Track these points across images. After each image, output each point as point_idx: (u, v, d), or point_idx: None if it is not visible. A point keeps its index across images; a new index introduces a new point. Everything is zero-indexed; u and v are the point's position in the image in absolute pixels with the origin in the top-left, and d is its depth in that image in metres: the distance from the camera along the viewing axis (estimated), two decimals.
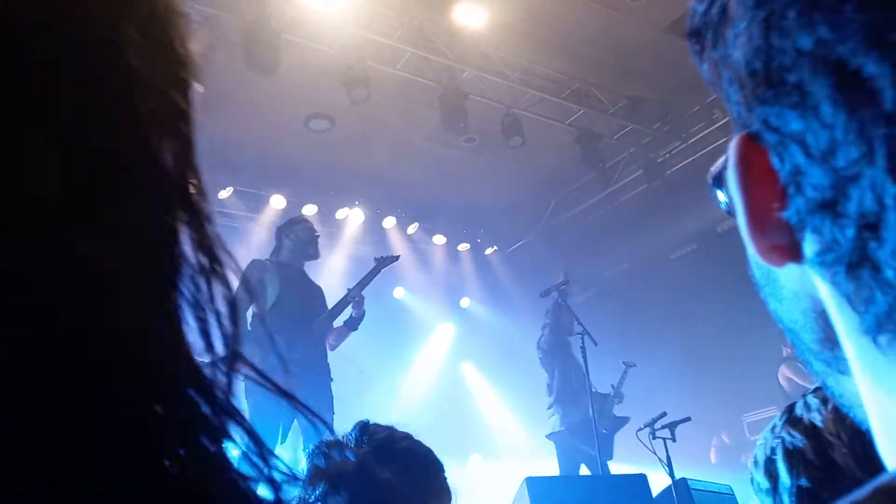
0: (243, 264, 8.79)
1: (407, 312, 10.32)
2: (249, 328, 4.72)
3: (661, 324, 8.35)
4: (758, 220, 0.39)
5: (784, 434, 1.06)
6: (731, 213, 0.44)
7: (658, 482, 4.64)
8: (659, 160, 8.45)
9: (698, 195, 8.25)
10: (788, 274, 0.41)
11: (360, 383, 7.81)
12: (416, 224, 9.52)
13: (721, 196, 0.48)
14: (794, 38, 0.34)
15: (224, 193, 8.34)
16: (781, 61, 0.35)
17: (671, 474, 4.46)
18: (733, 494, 4.51)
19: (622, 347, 7.34)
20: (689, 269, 8.55)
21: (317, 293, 4.97)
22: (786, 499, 1.05)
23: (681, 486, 4.31)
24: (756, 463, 1.10)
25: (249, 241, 9.04)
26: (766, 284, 0.44)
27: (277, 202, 8.62)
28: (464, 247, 10.32)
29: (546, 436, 6.28)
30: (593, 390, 6.02)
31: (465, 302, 10.81)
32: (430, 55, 6.75)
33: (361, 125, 7.41)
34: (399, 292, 10.38)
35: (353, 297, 4.81)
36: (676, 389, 7.33)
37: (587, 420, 5.65)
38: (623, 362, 6.29)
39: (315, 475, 1.20)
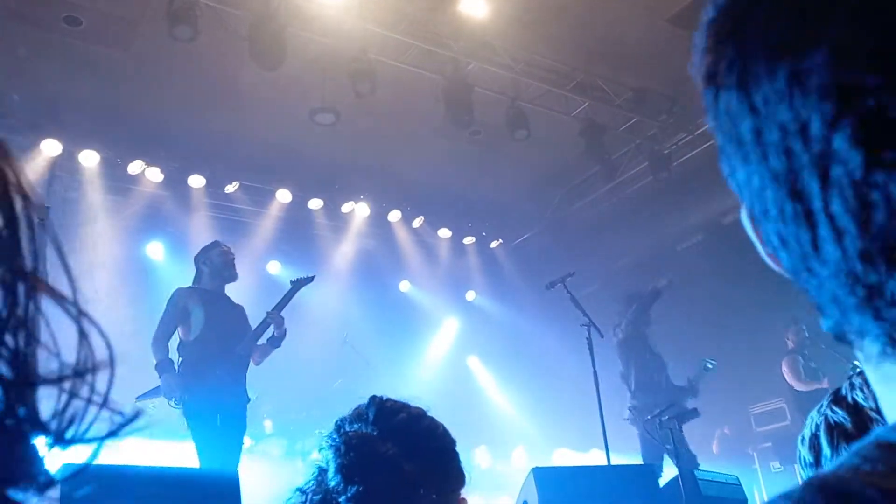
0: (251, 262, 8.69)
1: (412, 306, 10.34)
2: (178, 353, 4.98)
3: (666, 316, 8.34)
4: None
5: (828, 411, 1.12)
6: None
7: (665, 473, 4.65)
8: (665, 152, 8.43)
9: (704, 187, 8.24)
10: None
11: (367, 376, 7.85)
12: (422, 218, 9.53)
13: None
14: None
15: (230, 188, 8.37)
16: None
17: (678, 464, 4.47)
18: (740, 484, 4.52)
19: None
20: (695, 261, 8.54)
21: (239, 314, 5.30)
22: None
23: (687, 476, 4.32)
24: (802, 439, 1.17)
25: (256, 234, 9.07)
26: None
27: (283, 196, 8.64)
28: (469, 240, 10.33)
29: (624, 418, 6.36)
30: (670, 382, 6.18)
31: (470, 295, 10.82)
32: (434, 48, 6.75)
33: (367, 119, 7.41)
34: (405, 286, 10.40)
35: (273, 318, 5.12)
36: (683, 381, 7.33)
37: (660, 411, 5.69)
38: (704, 360, 6.26)
39: (331, 456, 1.21)
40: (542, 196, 9.78)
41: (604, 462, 4.82)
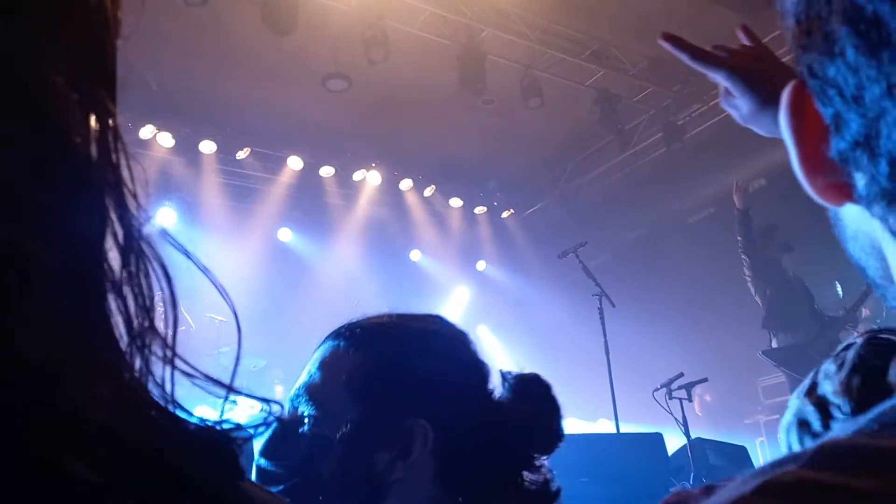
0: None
1: (423, 275, 10.36)
2: None
3: (678, 287, 8.33)
4: (810, 162, 0.42)
5: (800, 403, 1.09)
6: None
7: (674, 442, 4.68)
8: (679, 123, 8.34)
9: (718, 158, 8.16)
10: (849, 213, 0.44)
11: None
12: (433, 187, 9.50)
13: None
14: None
15: (241, 154, 8.35)
16: (818, 11, 0.39)
17: (687, 434, 4.50)
18: (747, 454, 4.55)
19: (639, 310, 7.36)
20: (708, 233, 8.49)
21: None
22: None
23: (696, 444, 4.35)
24: (781, 427, 1.13)
25: (266, 201, 9.08)
26: (835, 224, 0.47)
27: (295, 163, 8.63)
28: (480, 210, 10.30)
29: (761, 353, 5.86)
30: (820, 312, 5.67)
31: (481, 265, 10.83)
32: (448, 14, 6.66)
33: (379, 86, 7.35)
34: (415, 255, 10.42)
35: None
36: (693, 351, 7.34)
37: (800, 346, 5.36)
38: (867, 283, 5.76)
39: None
40: (555, 166, 9.72)
41: (612, 431, 4.86)
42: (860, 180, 0.39)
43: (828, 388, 1.06)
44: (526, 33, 7.07)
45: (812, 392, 1.09)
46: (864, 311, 6.21)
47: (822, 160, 0.41)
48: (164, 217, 8.71)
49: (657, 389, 4.74)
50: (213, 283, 0.39)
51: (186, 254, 0.39)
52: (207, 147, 8.13)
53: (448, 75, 6.99)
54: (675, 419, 4.59)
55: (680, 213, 9.06)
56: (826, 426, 1.03)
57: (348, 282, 9.27)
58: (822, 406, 1.06)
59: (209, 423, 0.37)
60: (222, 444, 0.36)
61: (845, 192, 0.41)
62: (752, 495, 0.33)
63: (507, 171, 9.73)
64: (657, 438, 4.47)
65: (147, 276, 0.37)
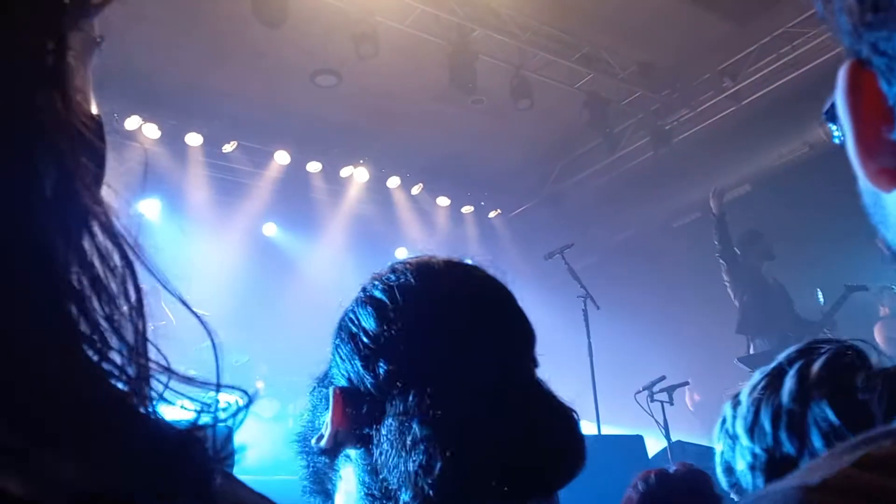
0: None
1: None
2: None
3: (662, 290, 8.38)
4: (867, 144, 0.40)
5: (727, 404, 1.16)
6: (845, 146, 0.45)
7: (655, 444, 4.71)
8: (666, 128, 8.39)
9: (704, 163, 8.21)
10: (895, 200, 0.42)
11: None
12: (421, 185, 9.49)
13: (833, 129, 0.49)
14: None
15: (228, 147, 8.30)
16: None
17: (667, 437, 4.53)
18: None
19: (623, 313, 7.39)
20: (692, 238, 8.55)
21: None
22: (717, 461, 1.17)
23: (676, 447, 4.38)
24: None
25: (252, 196, 9.04)
26: (875, 211, 0.44)
27: (282, 158, 8.58)
28: (467, 209, 10.30)
29: (737, 359, 5.87)
30: (799, 318, 5.65)
31: None
32: (440, 12, 6.66)
33: (369, 82, 7.34)
34: (401, 253, 10.40)
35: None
36: (676, 354, 7.39)
37: (775, 351, 5.35)
38: (846, 285, 5.50)
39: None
40: (542, 167, 9.74)
41: (593, 433, 4.88)
42: None
43: (743, 392, 1.14)
44: (517, 34, 7.08)
45: (736, 396, 1.18)
46: (883, 310, 6.23)
47: (879, 142, 0.39)
48: (148, 209, 8.65)
49: (639, 392, 4.77)
50: (162, 284, 0.38)
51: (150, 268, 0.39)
52: (194, 139, 8.07)
53: (438, 74, 6.98)
54: (656, 421, 4.62)
55: (666, 217, 9.11)
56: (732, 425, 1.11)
57: (333, 278, 9.24)
58: (735, 405, 1.16)
59: (177, 422, 0.36)
60: (189, 442, 0.36)
61: None
62: (852, 468, 0.32)
63: (495, 171, 9.74)
64: (638, 440, 4.50)
65: (114, 271, 0.36)
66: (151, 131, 7.78)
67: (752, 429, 1.06)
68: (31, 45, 0.34)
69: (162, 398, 0.36)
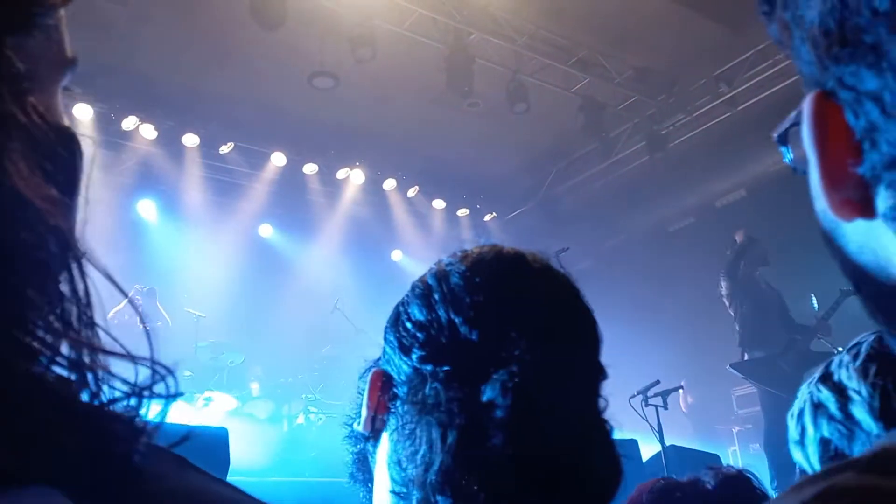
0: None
1: (404, 275, 10.35)
2: None
3: (657, 295, 8.40)
4: (832, 175, 0.40)
5: (814, 389, 1.11)
6: (796, 169, 0.45)
7: (648, 449, 4.71)
8: (662, 132, 8.41)
9: (699, 169, 8.24)
10: (855, 229, 0.42)
11: (356, 343, 7.87)
12: (417, 187, 9.50)
13: (786, 153, 0.49)
14: None
15: (225, 149, 8.30)
16: (857, 21, 0.36)
17: (661, 441, 4.54)
18: (720, 462, 4.59)
19: (617, 317, 7.39)
20: (687, 243, 8.57)
21: None
22: (811, 450, 1.10)
23: (670, 452, 4.38)
24: (791, 415, 1.16)
25: (249, 197, 9.03)
26: (834, 238, 0.45)
27: (278, 159, 8.58)
28: (463, 212, 10.32)
29: (730, 365, 5.85)
30: (792, 324, 5.65)
31: None
32: (437, 16, 6.67)
33: (366, 85, 7.34)
34: (397, 255, 10.41)
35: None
36: (670, 359, 7.41)
37: (769, 357, 5.36)
38: (840, 289, 5.42)
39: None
40: (538, 171, 9.76)
41: None
42: (888, 199, 0.38)
43: (843, 375, 1.09)
44: (514, 38, 7.10)
45: (827, 379, 1.11)
46: None
47: (845, 175, 0.39)
48: (144, 210, 8.63)
49: (633, 396, 4.77)
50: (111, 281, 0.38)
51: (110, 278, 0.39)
52: (190, 140, 8.07)
53: (435, 77, 6.99)
54: (651, 426, 4.62)
55: (660, 222, 9.14)
56: (844, 409, 1.05)
57: (328, 280, 9.24)
58: (840, 391, 1.08)
59: (106, 408, 0.37)
60: (104, 417, 0.36)
61: (858, 208, 0.40)
62: (814, 500, 0.32)
63: (491, 175, 9.76)
64: (632, 444, 4.50)
65: (58, 261, 0.37)
66: (148, 132, 7.77)
67: (884, 414, 1.03)
68: None
69: (104, 382, 0.37)
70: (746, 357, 5.84)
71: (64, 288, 0.37)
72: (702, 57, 7.44)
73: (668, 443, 4.58)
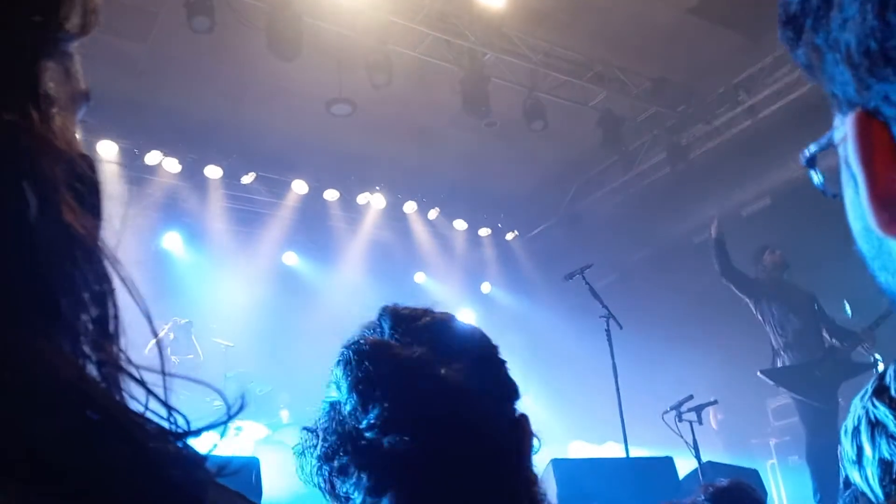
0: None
1: (428, 297, 10.31)
2: None
3: (685, 308, 8.29)
4: (880, 193, 0.40)
5: (869, 404, 1.05)
6: (826, 192, 0.45)
7: (685, 466, 4.63)
8: (682, 143, 8.36)
9: (722, 178, 8.16)
10: None
11: None
12: (437, 209, 9.52)
13: (815, 176, 0.50)
14: None
15: (247, 179, 8.40)
16: None
17: (697, 457, 4.45)
18: (759, 477, 4.49)
19: (647, 332, 7.31)
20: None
21: None
22: (870, 471, 1.04)
23: (707, 468, 4.30)
24: (846, 431, 1.09)
25: (272, 225, 9.11)
26: (878, 256, 0.44)
27: (299, 187, 8.66)
28: (485, 232, 10.31)
29: (760, 372, 5.73)
30: (835, 324, 5.51)
31: (485, 287, 10.80)
32: (451, 38, 6.73)
33: (383, 110, 7.41)
34: (420, 277, 10.41)
35: None
36: (702, 373, 7.29)
37: (805, 365, 5.24)
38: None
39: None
40: (558, 187, 9.74)
41: (620, 454, 4.81)
42: None
43: None
44: (528, 56, 7.13)
45: (882, 393, 1.05)
46: None
47: (891, 191, 0.40)
48: (170, 242, 8.74)
49: (666, 412, 4.69)
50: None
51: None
52: (213, 172, 8.18)
53: (451, 98, 7.03)
54: (686, 442, 4.54)
55: (685, 233, 9.04)
56: None
57: (353, 305, 9.25)
58: None
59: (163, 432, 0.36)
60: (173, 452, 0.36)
61: None
62: None
63: (511, 193, 9.75)
64: (667, 462, 4.42)
65: (96, 294, 0.37)
66: (172, 165, 7.89)
67: None
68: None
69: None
70: (778, 361, 5.71)
71: (112, 325, 0.37)
72: (718, 66, 7.40)
73: (704, 458, 4.49)
